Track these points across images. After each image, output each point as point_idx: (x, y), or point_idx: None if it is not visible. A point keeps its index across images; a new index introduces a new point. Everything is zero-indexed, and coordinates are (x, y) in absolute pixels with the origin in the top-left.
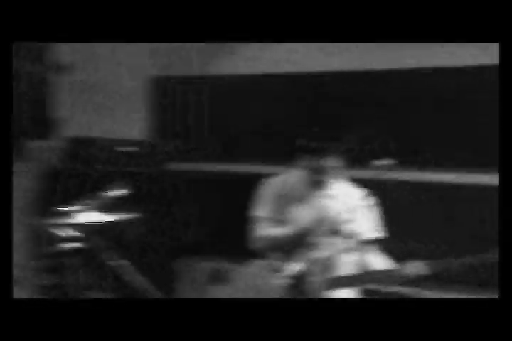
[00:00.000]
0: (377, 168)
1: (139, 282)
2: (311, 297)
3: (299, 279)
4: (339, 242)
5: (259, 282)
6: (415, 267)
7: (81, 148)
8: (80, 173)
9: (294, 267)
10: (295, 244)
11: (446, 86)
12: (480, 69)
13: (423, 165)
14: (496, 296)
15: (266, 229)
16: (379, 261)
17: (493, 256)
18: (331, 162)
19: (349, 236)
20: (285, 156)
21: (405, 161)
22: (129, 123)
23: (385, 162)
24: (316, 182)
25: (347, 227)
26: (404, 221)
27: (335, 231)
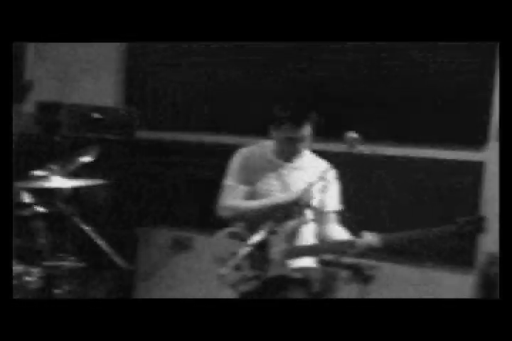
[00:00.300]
0: (345, 141)
1: (103, 248)
2: (272, 266)
3: (261, 248)
4: (303, 213)
5: (223, 250)
6: (370, 238)
7: (47, 113)
8: (47, 139)
9: (258, 237)
10: (260, 216)
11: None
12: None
13: (389, 139)
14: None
15: (232, 200)
16: (338, 233)
17: (449, 229)
18: (304, 131)
19: (313, 207)
20: (260, 126)
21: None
22: (99, 91)
23: (353, 135)
24: (286, 152)
25: (311, 198)
26: (365, 194)
27: (300, 202)
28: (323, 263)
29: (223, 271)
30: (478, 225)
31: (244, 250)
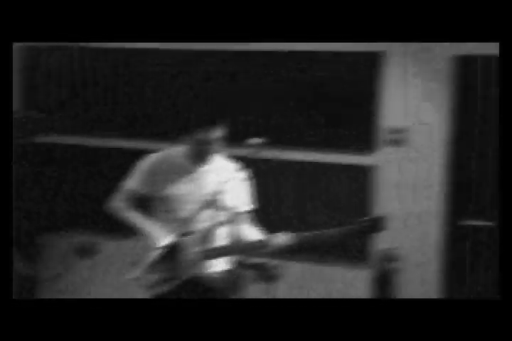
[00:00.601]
0: (250, 146)
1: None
2: (187, 268)
3: (172, 251)
4: (215, 215)
5: (132, 255)
6: (283, 238)
7: None
8: None
9: (169, 239)
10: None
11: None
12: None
13: (293, 145)
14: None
15: (120, 202)
16: (251, 233)
17: (355, 227)
18: (215, 134)
19: (225, 208)
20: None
21: (277, 140)
22: None
23: (257, 141)
24: (198, 156)
25: (223, 200)
26: (276, 195)
27: (211, 204)
28: (240, 265)
29: (134, 273)
30: (377, 224)
31: (155, 253)
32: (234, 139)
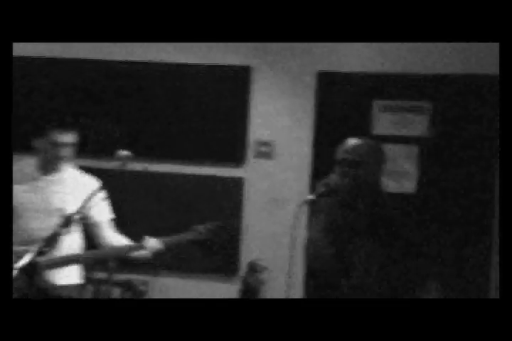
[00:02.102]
0: (118, 158)
1: None
2: (38, 283)
3: (29, 268)
4: (66, 224)
5: None
6: (152, 242)
7: None
8: None
9: (26, 259)
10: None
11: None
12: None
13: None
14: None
15: None
16: (117, 239)
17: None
18: (69, 138)
19: (77, 218)
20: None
21: (145, 153)
22: None
23: (124, 153)
24: (47, 163)
25: (71, 209)
26: (142, 207)
27: (58, 214)
28: (94, 281)
29: None
30: (217, 233)
31: (13, 273)
32: (101, 151)
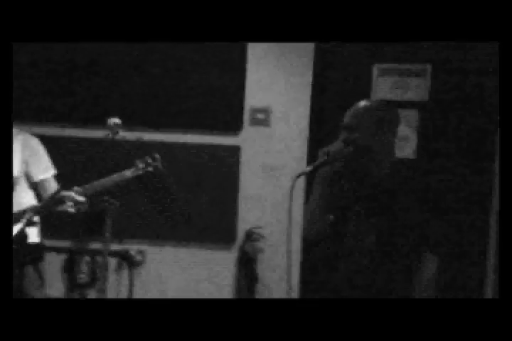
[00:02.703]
0: (107, 127)
1: None
2: None
3: None
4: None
5: None
6: (75, 189)
7: None
8: None
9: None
10: None
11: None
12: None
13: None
14: None
15: None
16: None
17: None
18: None
19: (27, 178)
20: None
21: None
22: None
23: (114, 121)
24: None
25: (25, 170)
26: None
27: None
28: (90, 252)
29: None
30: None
31: None
32: (91, 119)
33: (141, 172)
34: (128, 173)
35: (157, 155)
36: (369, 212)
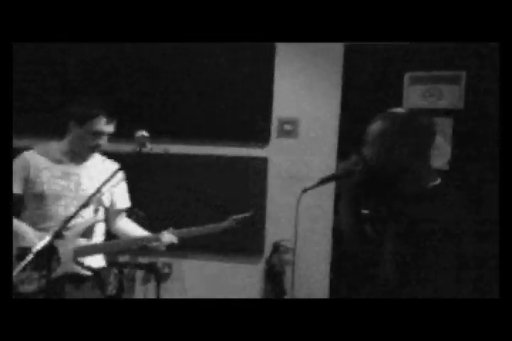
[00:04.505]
0: (136, 139)
1: None
2: (61, 266)
3: (50, 250)
4: (92, 212)
5: None
6: (168, 236)
7: None
8: None
9: (43, 243)
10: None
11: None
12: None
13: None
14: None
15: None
16: (133, 229)
17: (228, 223)
18: (112, 127)
19: (102, 206)
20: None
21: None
22: None
23: (142, 133)
24: (80, 151)
25: (101, 197)
26: (153, 191)
27: (89, 202)
28: (118, 264)
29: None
30: (246, 222)
31: (28, 257)
32: (119, 133)
33: (235, 226)
34: (223, 225)
35: (252, 213)
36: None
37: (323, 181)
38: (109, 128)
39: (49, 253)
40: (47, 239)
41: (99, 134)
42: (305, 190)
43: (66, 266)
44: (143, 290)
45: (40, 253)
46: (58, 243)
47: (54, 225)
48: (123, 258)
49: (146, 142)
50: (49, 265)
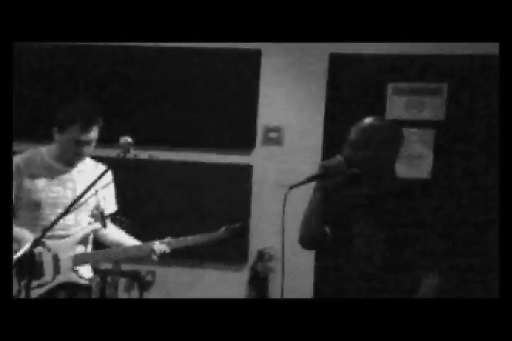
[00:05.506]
0: (121, 145)
1: None
2: (61, 273)
3: (30, 259)
4: (87, 219)
5: None
6: (161, 246)
7: None
8: None
9: (23, 249)
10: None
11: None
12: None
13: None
14: None
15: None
16: (118, 235)
17: (222, 233)
18: (92, 134)
19: (96, 211)
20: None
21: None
22: None
23: (126, 139)
24: (70, 156)
25: (94, 203)
26: (136, 198)
27: (84, 208)
28: (101, 272)
29: None
30: (239, 233)
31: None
32: (104, 138)
33: (227, 237)
34: (220, 235)
35: (244, 224)
36: (371, 220)
37: (310, 179)
38: (87, 137)
39: (32, 260)
40: (27, 246)
41: (77, 142)
42: (291, 187)
43: (65, 274)
44: (125, 297)
45: (19, 262)
46: (58, 250)
47: (51, 234)
48: (105, 266)
49: (130, 148)
50: (31, 272)
